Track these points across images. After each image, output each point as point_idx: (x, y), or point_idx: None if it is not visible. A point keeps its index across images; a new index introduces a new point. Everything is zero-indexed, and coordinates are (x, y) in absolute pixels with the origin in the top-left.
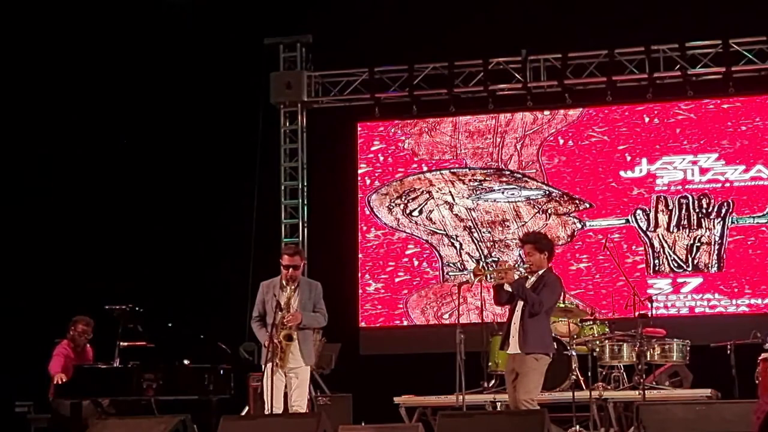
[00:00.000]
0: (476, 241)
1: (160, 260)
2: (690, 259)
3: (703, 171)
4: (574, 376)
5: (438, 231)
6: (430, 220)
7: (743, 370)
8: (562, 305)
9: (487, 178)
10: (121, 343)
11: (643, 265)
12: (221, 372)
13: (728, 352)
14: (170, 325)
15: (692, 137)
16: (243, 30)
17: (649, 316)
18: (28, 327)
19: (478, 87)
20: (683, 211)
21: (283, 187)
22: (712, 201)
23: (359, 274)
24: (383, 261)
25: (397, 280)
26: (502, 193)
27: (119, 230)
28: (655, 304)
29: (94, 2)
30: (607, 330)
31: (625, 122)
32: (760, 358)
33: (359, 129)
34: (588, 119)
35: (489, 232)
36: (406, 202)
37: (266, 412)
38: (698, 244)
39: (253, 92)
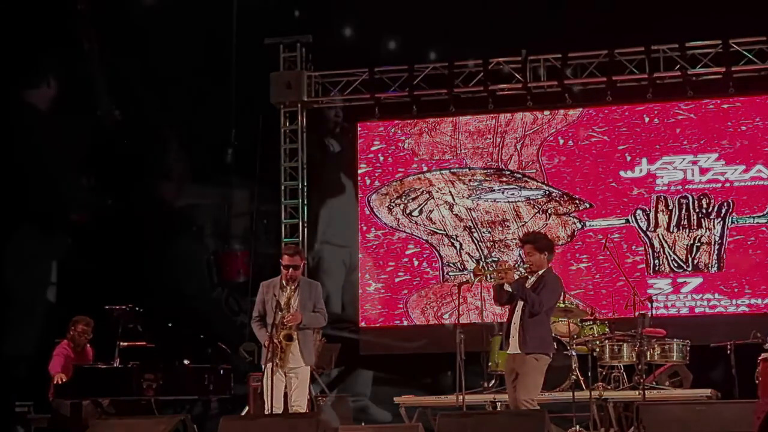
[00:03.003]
0: (476, 241)
1: (160, 260)
2: (690, 259)
3: (703, 171)
4: (574, 376)
5: (438, 231)
6: (430, 220)
7: (743, 370)
8: (562, 305)
9: (487, 178)
10: (121, 343)
11: (643, 265)
12: (221, 372)
13: (728, 352)
14: (170, 325)
15: (692, 137)
16: (243, 30)
17: (649, 316)
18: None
19: (478, 87)
20: (683, 211)
21: (283, 187)
22: (712, 201)
23: (359, 274)
24: (383, 261)
25: (397, 280)
26: (502, 193)
27: (120, 230)
28: (655, 304)
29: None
30: (607, 330)
31: (625, 122)
32: (760, 358)
33: (359, 129)
34: (588, 119)
35: (489, 232)
36: (406, 202)
37: (266, 412)
38: (698, 244)
39: (253, 92)
